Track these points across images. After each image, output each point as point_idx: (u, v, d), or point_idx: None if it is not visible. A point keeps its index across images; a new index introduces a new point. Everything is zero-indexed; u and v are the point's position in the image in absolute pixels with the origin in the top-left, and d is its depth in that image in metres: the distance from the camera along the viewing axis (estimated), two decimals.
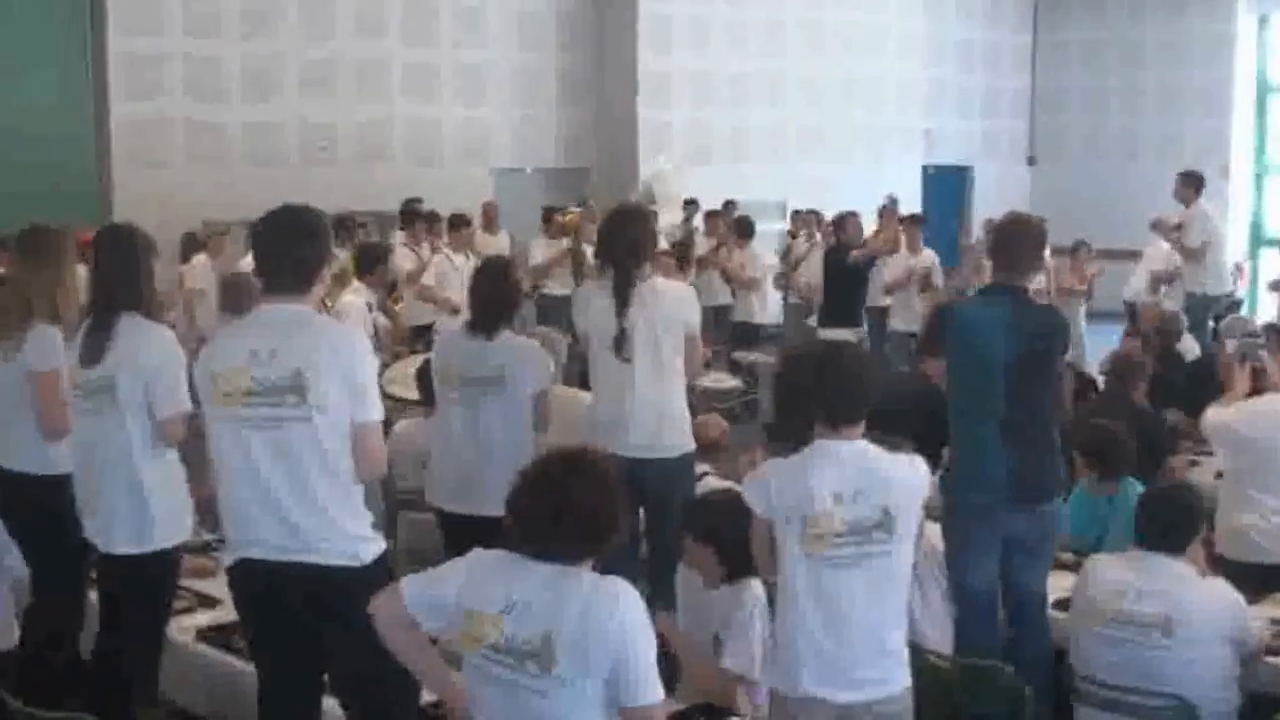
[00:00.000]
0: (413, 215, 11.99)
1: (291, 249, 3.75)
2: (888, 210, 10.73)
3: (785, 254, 13.92)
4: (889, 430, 3.99)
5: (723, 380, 10.33)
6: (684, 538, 4.28)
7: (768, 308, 13.42)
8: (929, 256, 12.17)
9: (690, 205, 14.27)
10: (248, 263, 9.46)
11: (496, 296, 5.31)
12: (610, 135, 16.18)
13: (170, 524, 4.47)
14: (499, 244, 12.33)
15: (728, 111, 16.74)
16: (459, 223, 11.43)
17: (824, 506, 3.68)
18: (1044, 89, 20.43)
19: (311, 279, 3.77)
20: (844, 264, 10.35)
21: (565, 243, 12.01)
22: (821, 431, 3.79)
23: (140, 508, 4.38)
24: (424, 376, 5.92)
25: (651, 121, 16.07)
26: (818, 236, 13.17)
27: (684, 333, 5.28)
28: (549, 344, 6.04)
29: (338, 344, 3.68)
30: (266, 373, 3.64)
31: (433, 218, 11.95)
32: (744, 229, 13.05)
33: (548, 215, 12.78)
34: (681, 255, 11.67)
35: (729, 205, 14.27)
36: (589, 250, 9.88)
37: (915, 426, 4.83)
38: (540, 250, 12.48)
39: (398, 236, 12.03)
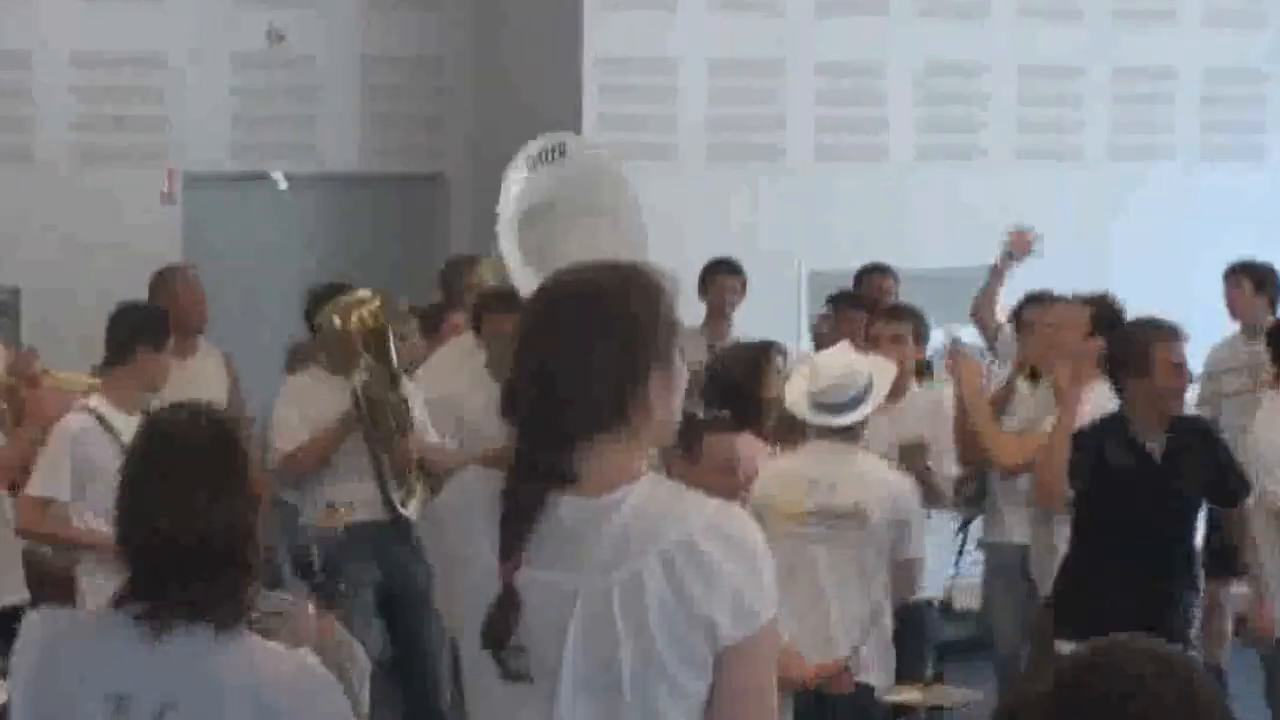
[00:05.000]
0: None
1: None
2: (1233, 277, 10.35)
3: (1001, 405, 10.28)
4: None
5: None
6: None
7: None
8: None
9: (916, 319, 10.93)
10: None
11: (201, 531, 4.02)
12: (506, 95, 12.62)
13: None
14: (203, 374, 10.06)
15: (808, 28, 12.46)
16: (138, 339, 8.81)
17: None
18: None
19: None
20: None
21: (353, 381, 9.38)
22: None
23: None
24: None
25: (612, 62, 12.10)
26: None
27: (711, 655, 3.49)
28: (337, 657, 5.83)
29: None
30: None
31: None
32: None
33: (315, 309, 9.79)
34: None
35: (875, 272, 11.47)
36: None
37: None
38: (300, 403, 9.66)
39: None
